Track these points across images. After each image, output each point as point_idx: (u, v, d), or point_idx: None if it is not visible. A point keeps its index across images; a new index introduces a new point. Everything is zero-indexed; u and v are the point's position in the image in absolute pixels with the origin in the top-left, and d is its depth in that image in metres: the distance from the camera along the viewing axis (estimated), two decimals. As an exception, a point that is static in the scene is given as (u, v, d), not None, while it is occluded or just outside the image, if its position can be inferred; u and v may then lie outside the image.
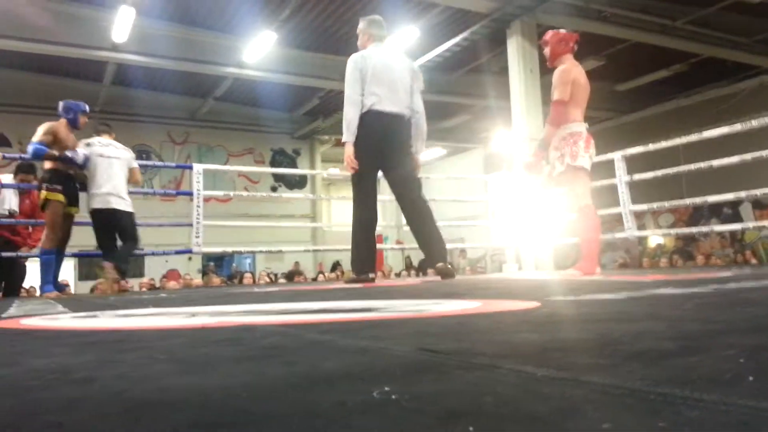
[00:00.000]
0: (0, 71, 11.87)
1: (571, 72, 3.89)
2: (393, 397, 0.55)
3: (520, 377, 0.62)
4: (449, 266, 3.92)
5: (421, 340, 0.96)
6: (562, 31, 4.19)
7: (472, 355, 0.78)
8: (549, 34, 4.13)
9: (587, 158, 3.90)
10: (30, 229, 5.85)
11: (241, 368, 0.78)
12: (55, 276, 5.13)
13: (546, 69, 9.70)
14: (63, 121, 4.98)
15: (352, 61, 3.99)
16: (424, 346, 0.87)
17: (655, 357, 0.71)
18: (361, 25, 4.27)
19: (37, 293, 5.87)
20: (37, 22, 9.21)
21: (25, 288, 8.24)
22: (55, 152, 4.77)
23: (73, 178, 5.02)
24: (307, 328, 1.32)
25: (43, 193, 4.79)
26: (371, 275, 3.88)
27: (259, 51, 10.34)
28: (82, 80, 12.34)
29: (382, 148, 3.88)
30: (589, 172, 4.01)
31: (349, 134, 3.89)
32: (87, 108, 5.12)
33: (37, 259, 5.13)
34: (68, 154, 4.78)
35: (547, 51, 4.12)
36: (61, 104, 5.06)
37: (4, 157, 5.98)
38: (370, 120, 3.85)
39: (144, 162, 13.08)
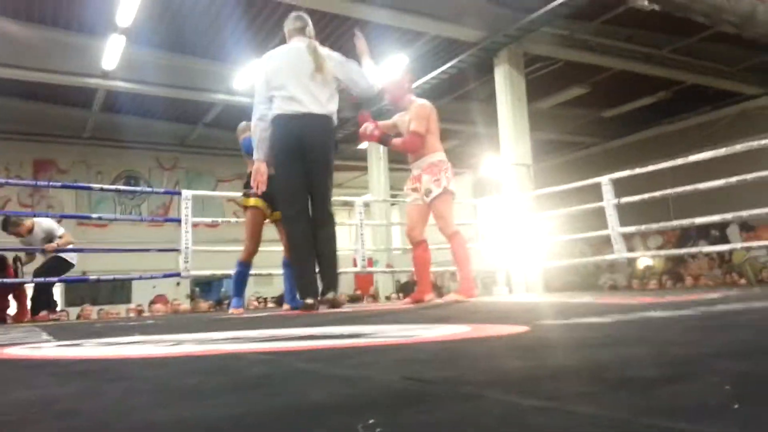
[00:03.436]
0: (-12, 97, 11.83)
1: (427, 107, 4.15)
2: (377, 429, 0.54)
3: (506, 407, 0.62)
4: (336, 296, 3.63)
5: (408, 368, 0.95)
6: (397, 76, 4.46)
7: (459, 384, 0.78)
8: (387, 81, 4.37)
9: (453, 185, 4.14)
10: None
11: (227, 399, 0.77)
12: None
13: (533, 96, 9.87)
14: None
15: (258, 64, 3.62)
16: (410, 374, 0.87)
17: (642, 385, 0.71)
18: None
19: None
20: (26, 49, 9.23)
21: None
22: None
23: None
24: (293, 355, 1.31)
25: (242, 199, 4.46)
26: (309, 301, 3.53)
27: (249, 78, 10.40)
28: (71, 107, 12.30)
29: (300, 153, 3.51)
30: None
31: (258, 152, 3.61)
32: None
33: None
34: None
35: (388, 96, 4.38)
36: None
37: None
38: (277, 125, 3.51)
39: (132, 188, 13.23)
